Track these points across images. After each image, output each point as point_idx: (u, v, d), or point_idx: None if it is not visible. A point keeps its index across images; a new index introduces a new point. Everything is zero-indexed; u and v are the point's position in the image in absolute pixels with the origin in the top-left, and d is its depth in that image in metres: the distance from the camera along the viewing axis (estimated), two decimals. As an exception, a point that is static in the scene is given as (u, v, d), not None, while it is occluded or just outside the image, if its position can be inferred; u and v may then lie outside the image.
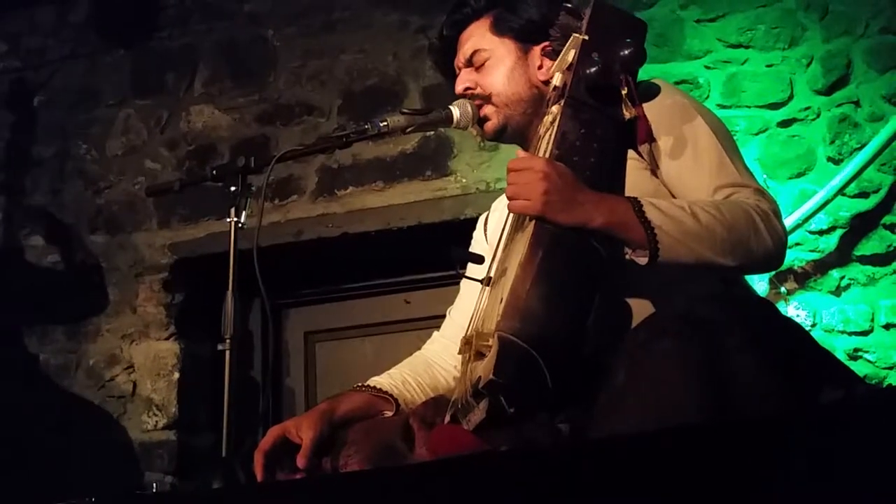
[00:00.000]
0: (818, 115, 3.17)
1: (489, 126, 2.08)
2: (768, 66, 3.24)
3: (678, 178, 1.88)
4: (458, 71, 2.14)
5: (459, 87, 2.11)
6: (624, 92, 1.80)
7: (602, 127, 1.83)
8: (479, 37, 2.10)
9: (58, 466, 3.54)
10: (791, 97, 3.20)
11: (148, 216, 3.77)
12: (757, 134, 3.19)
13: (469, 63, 2.11)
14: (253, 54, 3.79)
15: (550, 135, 1.84)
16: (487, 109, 2.08)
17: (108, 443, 3.57)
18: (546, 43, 2.04)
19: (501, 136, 2.10)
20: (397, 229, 3.49)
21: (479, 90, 2.08)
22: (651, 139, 1.86)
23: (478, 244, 2.27)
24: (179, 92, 3.85)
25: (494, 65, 2.08)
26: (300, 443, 1.90)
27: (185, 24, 3.90)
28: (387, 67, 3.63)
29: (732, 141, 1.95)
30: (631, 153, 1.90)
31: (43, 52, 4.02)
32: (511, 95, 2.06)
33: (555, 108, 1.88)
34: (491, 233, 2.19)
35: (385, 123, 2.07)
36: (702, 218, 1.71)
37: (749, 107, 3.22)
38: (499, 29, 2.09)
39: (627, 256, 1.74)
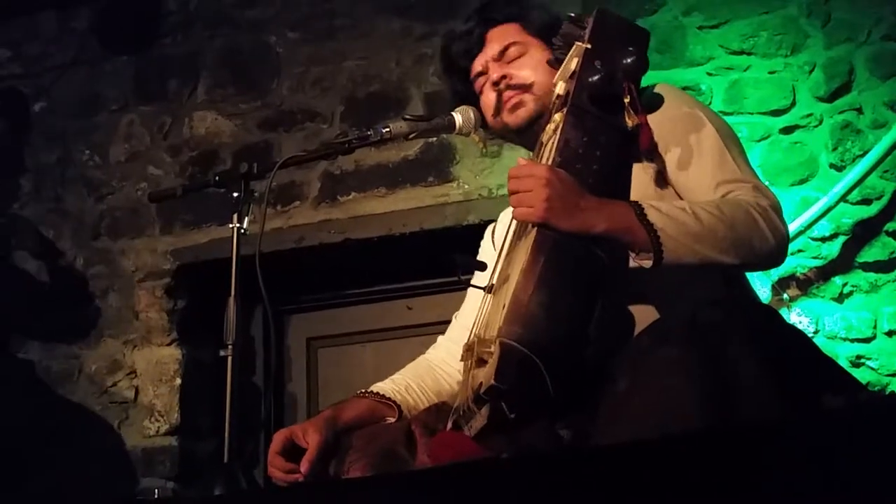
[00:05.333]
0: (820, 122, 3.17)
1: (522, 112, 2.07)
2: (771, 72, 3.24)
3: (686, 185, 1.90)
4: (480, 69, 2.13)
5: (495, 76, 2.09)
6: (626, 100, 1.80)
7: (605, 135, 1.83)
8: (511, 33, 2.12)
9: (59, 473, 3.53)
10: (793, 104, 3.20)
11: (150, 222, 3.77)
12: (759, 141, 3.19)
13: (500, 56, 2.11)
14: (256, 61, 3.80)
15: (553, 142, 1.84)
16: (524, 97, 2.07)
17: (110, 449, 3.57)
18: None
19: (532, 125, 2.06)
20: (399, 235, 3.49)
21: (515, 80, 2.08)
22: (654, 146, 1.86)
23: (486, 254, 2.26)
24: (182, 98, 3.85)
25: (530, 58, 2.09)
26: (306, 447, 1.90)
27: (188, 30, 3.90)
28: (389, 74, 3.63)
29: (735, 138, 1.97)
30: (635, 160, 1.90)
31: (45, 59, 4.03)
32: (550, 86, 2.04)
33: (557, 116, 1.88)
34: (498, 241, 2.18)
35: (388, 130, 2.08)
36: (703, 218, 1.73)
37: (751, 113, 3.22)
38: (529, 30, 2.12)
39: (632, 261, 1.74)
